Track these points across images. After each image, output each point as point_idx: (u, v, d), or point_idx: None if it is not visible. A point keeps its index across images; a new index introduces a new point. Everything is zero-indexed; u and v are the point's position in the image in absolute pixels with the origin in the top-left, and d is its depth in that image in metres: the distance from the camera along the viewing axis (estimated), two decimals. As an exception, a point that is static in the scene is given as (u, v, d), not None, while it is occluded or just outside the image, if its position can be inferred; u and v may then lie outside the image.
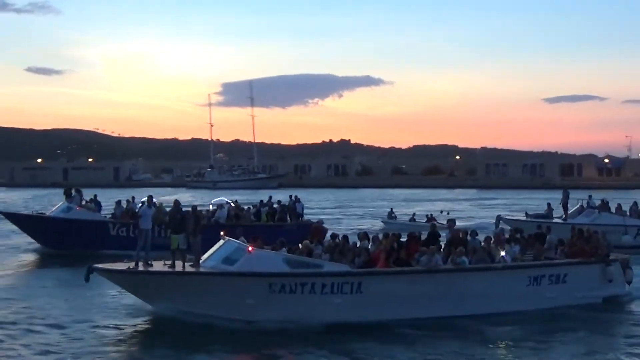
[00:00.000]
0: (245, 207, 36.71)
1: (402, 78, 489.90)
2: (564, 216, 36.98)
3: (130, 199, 35.65)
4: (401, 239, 21.25)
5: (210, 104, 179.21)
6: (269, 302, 18.69)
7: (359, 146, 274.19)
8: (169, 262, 20.08)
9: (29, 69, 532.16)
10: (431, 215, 42.83)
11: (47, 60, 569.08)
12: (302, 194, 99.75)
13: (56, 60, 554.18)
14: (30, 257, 32.81)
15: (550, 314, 20.35)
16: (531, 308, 20.53)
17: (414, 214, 46.38)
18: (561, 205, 38.37)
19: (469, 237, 22.00)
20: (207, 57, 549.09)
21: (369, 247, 20.83)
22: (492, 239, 22.06)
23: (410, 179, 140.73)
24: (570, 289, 21.38)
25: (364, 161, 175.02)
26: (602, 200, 36.88)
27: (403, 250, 20.30)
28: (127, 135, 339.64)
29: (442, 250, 20.95)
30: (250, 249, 19.18)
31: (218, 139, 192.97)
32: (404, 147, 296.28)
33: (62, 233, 30.96)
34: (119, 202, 35.25)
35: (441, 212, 45.63)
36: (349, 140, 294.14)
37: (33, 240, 34.79)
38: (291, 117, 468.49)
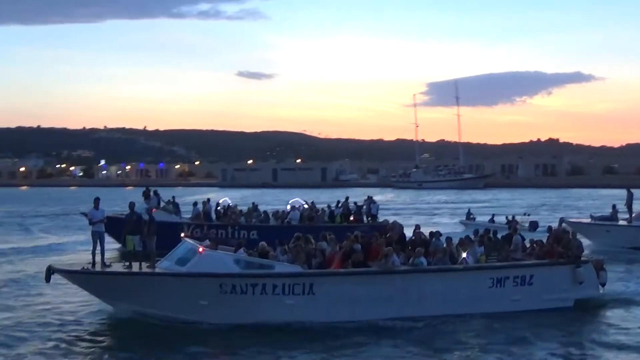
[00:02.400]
0: (320, 208, 38.11)
1: (615, 73, 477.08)
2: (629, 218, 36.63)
3: (206, 200, 37.95)
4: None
5: (415, 104, 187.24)
6: (221, 302, 19.31)
7: (568, 145, 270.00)
8: (127, 264, 21.28)
9: (240, 74, 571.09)
10: (513, 216, 42.02)
11: (257, 65, 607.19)
12: (508, 195, 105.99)
13: (265, 65, 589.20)
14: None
15: (516, 316, 20.49)
16: (495, 310, 20.72)
17: (493, 215, 46.10)
18: (626, 206, 37.79)
19: (433, 239, 22.55)
20: (413, 57, 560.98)
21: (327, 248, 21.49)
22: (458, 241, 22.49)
23: (623, 178, 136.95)
24: (538, 291, 21.45)
25: (574, 160, 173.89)
26: None
27: (361, 252, 20.93)
28: (333, 136, 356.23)
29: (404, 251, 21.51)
30: (200, 249, 20.01)
31: (423, 139, 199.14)
32: (615, 145, 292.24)
33: None
34: (195, 204, 37.86)
35: (524, 214, 45.53)
36: (558, 139, 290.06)
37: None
38: (498, 116, 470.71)
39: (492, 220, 44.04)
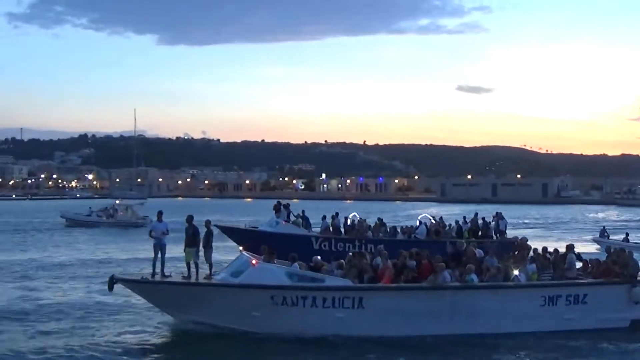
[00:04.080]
0: (448, 224, 38.98)
1: None
2: None
3: (335, 215, 39.35)
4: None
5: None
6: (273, 314, 20.21)
7: None
8: (185, 275, 22.33)
9: (460, 88, 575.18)
10: None
11: (476, 79, 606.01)
12: None
13: (485, 78, 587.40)
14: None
15: (568, 336, 20.72)
16: (547, 329, 21.01)
17: (627, 234, 46.08)
18: None
19: (486, 257, 22.93)
20: (637, 66, 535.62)
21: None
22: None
23: None
24: (592, 310, 21.53)
25: None
26: None
27: (414, 269, 21.69)
28: (554, 151, 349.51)
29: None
30: (254, 262, 21.14)
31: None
32: None
33: (270, 246, 30.11)
34: (323, 218, 39.36)
35: None
36: None
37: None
38: None
39: (626, 239, 43.88)
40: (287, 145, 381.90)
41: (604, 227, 50.85)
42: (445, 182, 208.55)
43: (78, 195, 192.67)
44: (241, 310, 20.52)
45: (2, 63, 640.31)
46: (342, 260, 22.55)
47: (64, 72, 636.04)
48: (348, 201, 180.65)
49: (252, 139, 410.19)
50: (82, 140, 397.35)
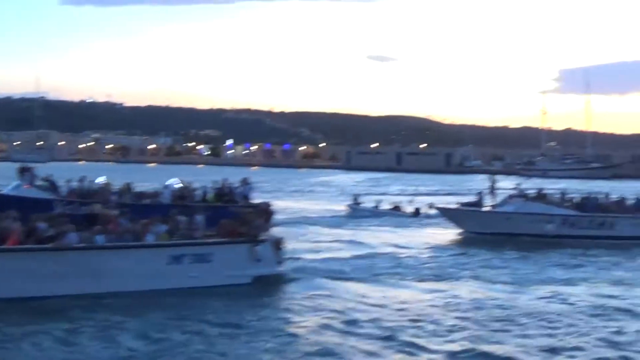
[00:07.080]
0: (194, 188, 39.51)
1: None
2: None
3: (82, 178, 39.24)
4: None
5: (545, 92, 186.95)
6: None
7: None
8: None
9: (368, 57, 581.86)
10: (397, 205, 47.26)
11: (383, 48, 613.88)
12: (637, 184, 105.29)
13: (391, 47, 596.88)
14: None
15: (190, 292, 21.77)
16: (173, 286, 21.86)
17: (378, 201, 49.71)
18: (487, 192, 41.36)
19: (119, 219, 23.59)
20: (543, 43, 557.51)
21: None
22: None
23: None
24: (215, 268, 22.80)
25: None
26: (539, 190, 39.53)
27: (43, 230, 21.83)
28: (457, 122, 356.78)
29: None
30: None
31: (550, 128, 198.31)
32: None
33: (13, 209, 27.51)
34: (68, 181, 39.36)
35: (410, 201, 50.09)
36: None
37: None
38: (630, 105, 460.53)
39: (376, 207, 48.25)
40: (193, 111, 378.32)
41: (357, 194, 53.98)
42: (351, 150, 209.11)
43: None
44: None
45: None
46: None
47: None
48: (253, 168, 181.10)
49: (156, 104, 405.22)
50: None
